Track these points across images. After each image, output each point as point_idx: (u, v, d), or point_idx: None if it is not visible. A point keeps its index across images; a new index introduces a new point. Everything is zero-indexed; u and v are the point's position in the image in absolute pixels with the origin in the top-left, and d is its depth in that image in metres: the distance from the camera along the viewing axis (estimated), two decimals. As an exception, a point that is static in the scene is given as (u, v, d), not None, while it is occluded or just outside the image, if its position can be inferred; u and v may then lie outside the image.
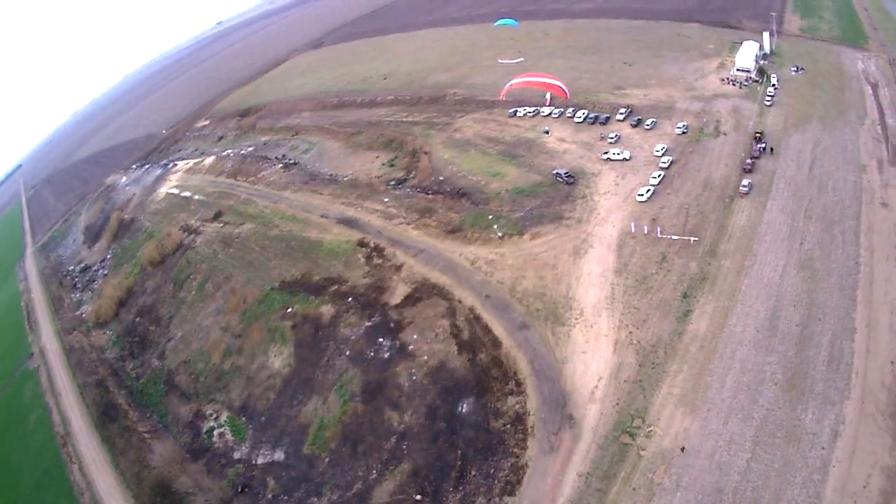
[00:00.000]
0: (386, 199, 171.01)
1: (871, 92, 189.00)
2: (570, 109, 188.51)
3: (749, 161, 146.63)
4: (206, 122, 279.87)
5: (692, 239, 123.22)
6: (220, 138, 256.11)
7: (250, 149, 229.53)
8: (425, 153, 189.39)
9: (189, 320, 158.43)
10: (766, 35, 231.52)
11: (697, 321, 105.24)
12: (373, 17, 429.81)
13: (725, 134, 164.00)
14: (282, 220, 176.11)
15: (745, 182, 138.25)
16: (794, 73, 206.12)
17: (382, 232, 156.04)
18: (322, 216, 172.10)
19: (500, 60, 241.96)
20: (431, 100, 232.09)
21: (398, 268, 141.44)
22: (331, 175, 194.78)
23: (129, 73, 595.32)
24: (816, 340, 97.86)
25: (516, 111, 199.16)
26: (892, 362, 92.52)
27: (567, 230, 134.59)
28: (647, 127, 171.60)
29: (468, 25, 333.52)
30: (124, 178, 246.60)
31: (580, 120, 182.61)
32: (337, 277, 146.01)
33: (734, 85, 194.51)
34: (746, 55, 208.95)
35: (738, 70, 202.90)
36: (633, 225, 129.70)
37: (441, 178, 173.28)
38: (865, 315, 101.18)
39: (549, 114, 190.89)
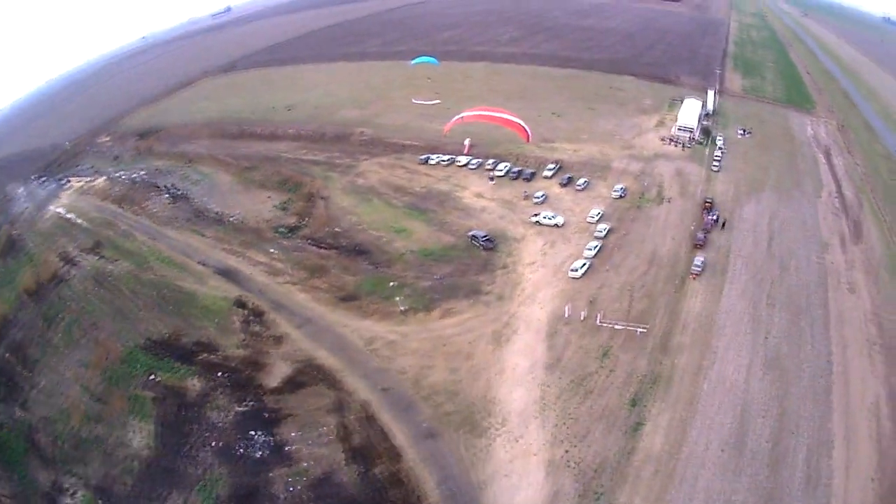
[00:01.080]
0: (273, 250, 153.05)
1: (824, 160, 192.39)
2: (491, 161, 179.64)
3: (700, 235, 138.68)
4: (108, 139, 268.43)
5: (639, 329, 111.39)
6: (117, 158, 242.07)
7: (142, 174, 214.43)
8: (322, 198, 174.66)
9: (54, 368, 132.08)
10: (709, 93, 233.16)
11: (651, 436, 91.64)
12: (288, 45, 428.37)
13: (670, 201, 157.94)
14: (158, 263, 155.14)
15: (697, 260, 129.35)
16: (740, 136, 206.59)
17: (265, 291, 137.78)
18: (200, 263, 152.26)
19: (414, 101, 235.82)
20: (336, 138, 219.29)
21: (279, 340, 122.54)
22: (217, 214, 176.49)
23: (52, 78, 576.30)
24: (791, 459, 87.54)
25: (428, 158, 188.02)
26: (872, 479, 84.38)
27: (486, 308, 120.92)
28: (578, 187, 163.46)
29: (385, 61, 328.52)
30: (22, 190, 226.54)
31: (501, 174, 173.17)
32: (208, 343, 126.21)
33: (676, 145, 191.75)
34: (689, 113, 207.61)
35: (679, 129, 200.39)
36: (566, 307, 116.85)
37: (338, 229, 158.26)
38: (843, 424, 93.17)
39: (466, 164, 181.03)
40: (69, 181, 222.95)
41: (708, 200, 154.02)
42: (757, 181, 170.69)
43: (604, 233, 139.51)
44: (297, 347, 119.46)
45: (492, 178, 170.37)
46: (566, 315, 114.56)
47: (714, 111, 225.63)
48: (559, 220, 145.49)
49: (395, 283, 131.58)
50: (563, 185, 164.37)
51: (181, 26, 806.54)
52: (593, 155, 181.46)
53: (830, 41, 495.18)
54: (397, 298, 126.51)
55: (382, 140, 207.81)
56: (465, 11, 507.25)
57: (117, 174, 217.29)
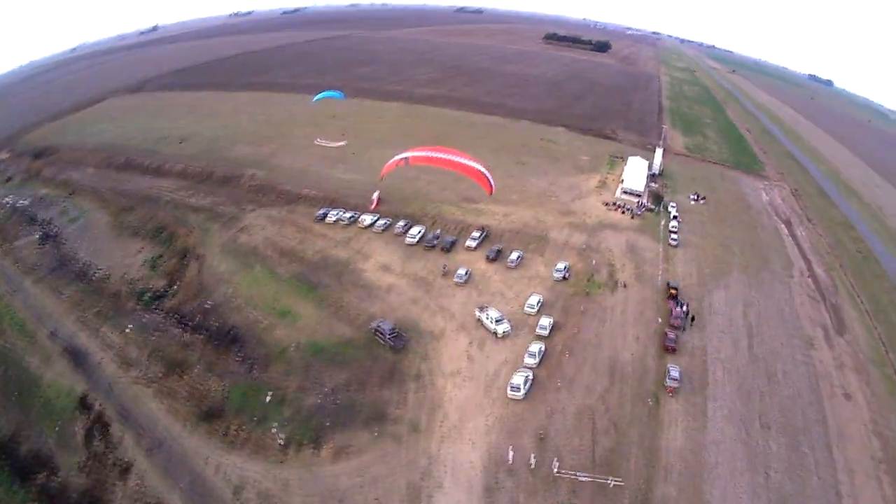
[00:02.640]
0: (129, 328, 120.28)
1: (787, 231, 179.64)
2: (402, 223, 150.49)
3: (671, 335, 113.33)
4: (7, 156, 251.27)
5: (611, 481, 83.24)
6: (9, 180, 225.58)
7: (26, 202, 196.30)
8: (197, 257, 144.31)
9: None
10: (657, 152, 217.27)
11: None
12: (199, 69, 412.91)
13: (625, 286, 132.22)
14: (8, 327, 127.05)
15: (672, 370, 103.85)
16: (693, 203, 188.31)
17: (114, 388, 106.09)
18: (51, 334, 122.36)
19: (317, 141, 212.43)
20: (224, 179, 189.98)
21: (125, 470, 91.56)
22: (83, 266, 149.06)
23: None
24: None
25: (326, 214, 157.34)
26: None
27: (395, 446, 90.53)
28: (510, 264, 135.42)
29: (291, 94, 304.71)
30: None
31: (414, 240, 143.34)
32: (47, 458, 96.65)
33: (624, 212, 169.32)
34: (635, 175, 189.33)
35: (625, 192, 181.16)
36: (509, 450, 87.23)
37: (209, 303, 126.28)
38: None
39: (372, 224, 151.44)
40: None
41: (673, 287, 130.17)
42: (722, 260, 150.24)
43: (548, 330, 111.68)
44: (145, 486, 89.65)
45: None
46: (509, 460, 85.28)
47: (660, 172, 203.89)
48: (505, 327, 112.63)
49: (273, 397, 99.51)
50: (491, 260, 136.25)
51: (109, 40, 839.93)
52: (527, 221, 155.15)
53: (763, 99, 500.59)
54: (274, 425, 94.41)
55: (275, 186, 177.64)
56: (383, 49, 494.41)
57: (3, 199, 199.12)
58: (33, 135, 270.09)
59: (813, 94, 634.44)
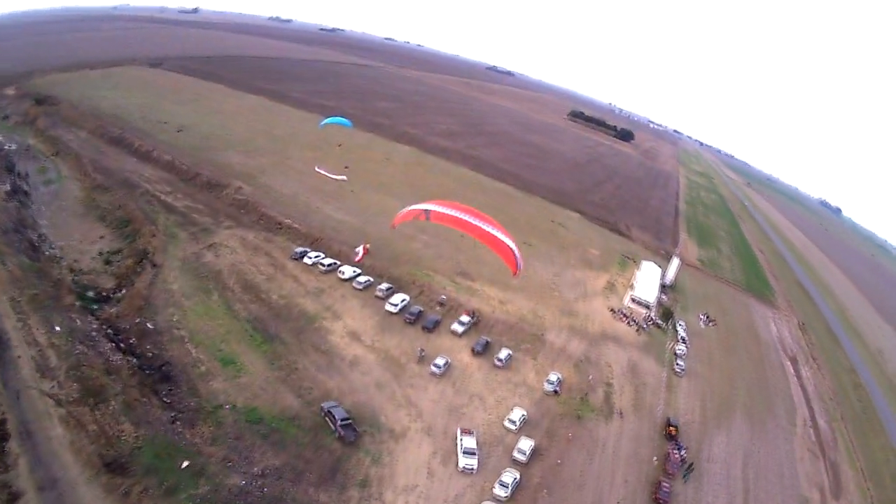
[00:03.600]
0: (58, 328, 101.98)
1: (792, 370, 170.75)
2: (385, 286, 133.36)
3: (665, 487, 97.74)
4: (13, 92, 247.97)
5: None
6: (5, 118, 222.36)
7: (12, 146, 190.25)
8: (153, 265, 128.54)
9: None
10: (674, 262, 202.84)
11: None
12: (221, 61, 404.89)
13: (622, 415, 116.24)
14: None
15: None
16: (703, 325, 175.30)
17: (21, 397, 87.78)
18: None
19: (317, 169, 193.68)
20: (208, 185, 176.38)
21: (13, 498, 74.14)
22: (38, 238, 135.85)
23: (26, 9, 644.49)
24: None
25: (305, 254, 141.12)
26: None
27: None
28: (498, 363, 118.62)
29: (302, 111, 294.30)
30: None
31: (394, 309, 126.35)
32: None
33: (630, 323, 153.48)
34: (647, 284, 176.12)
35: (635, 301, 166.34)
36: None
37: (150, 324, 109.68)
38: None
39: (352, 278, 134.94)
40: None
41: (672, 425, 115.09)
42: (726, 398, 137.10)
43: (526, 455, 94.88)
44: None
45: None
46: None
47: (673, 284, 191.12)
48: (470, 463, 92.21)
49: (191, 465, 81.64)
50: (477, 354, 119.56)
51: (150, 9, 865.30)
52: (524, 314, 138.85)
53: (776, 219, 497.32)
54: (183, 499, 76.54)
55: (259, 207, 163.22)
56: (407, 88, 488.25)
57: None
58: (43, 79, 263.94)
59: (827, 227, 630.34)
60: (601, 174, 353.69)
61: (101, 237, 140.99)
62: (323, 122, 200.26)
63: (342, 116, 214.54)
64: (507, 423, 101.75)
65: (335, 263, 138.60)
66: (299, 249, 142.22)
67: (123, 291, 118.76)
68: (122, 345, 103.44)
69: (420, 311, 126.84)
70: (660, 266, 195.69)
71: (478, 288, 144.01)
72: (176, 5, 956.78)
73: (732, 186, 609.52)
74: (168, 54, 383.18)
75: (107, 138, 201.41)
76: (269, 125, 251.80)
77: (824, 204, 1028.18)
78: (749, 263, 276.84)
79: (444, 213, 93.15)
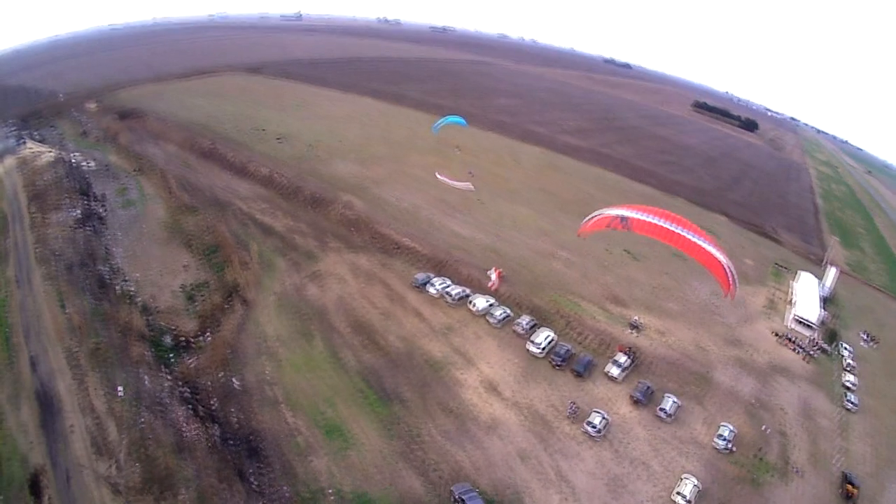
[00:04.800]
0: (121, 390, 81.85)
1: None
2: (526, 321, 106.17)
3: None
4: (94, 106, 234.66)
5: None
6: (84, 134, 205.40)
7: (91, 164, 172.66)
8: (244, 303, 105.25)
9: None
10: (831, 271, 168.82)
11: None
12: (326, 64, 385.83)
13: (799, 473, 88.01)
14: None
15: None
16: (865, 345, 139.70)
17: (72, 479, 69.20)
18: (31, 361, 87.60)
19: (438, 176, 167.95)
20: (312, 200, 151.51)
21: None
22: (109, 270, 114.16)
23: (115, 24, 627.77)
24: None
25: (428, 282, 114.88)
26: None
27: None
28: (662, 415, 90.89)
29: (419, 112, 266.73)
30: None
31: (540, 350, 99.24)
32: None
33: (796, 350, 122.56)
34: (809, 300, 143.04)
35: (797, 321, 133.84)
36: None
37: (235, 380, 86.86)
38: None
39: (486, 312, 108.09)
40: (25, 144, 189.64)
41: (850, 482, 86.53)
42: None
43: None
44: None
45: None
46: None
47: (831, 297, 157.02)
48: None
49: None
50: (639, 404, 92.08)
51: (249, 17, 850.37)
52: (686, 347, 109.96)
53: None
54: None
55: (372, 225, 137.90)
56: (527, 84, 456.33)
57: (71, 154, 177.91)
58: (130, 91, 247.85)
59: None
60: (735, 169, 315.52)
61: (185, 267, 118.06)
62: (437, 125, 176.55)
63: (457, 115, 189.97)
64: (676, 499, 75.68)
65: (465, 293, 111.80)
66: (421, 276, 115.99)
67: (207, 336, 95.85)
68: (200, 409, 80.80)
69: (569, 352, 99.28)
70: (815, 276, 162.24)
71: (630, 315, 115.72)
72: (278, 12, 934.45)
73: (856, 175, 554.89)
74: (269, 60, 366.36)
75: (197, 151, 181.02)
76: (384, 129, 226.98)
77: None
78: (891, 263, 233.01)
79: (645, 222, 75.28)
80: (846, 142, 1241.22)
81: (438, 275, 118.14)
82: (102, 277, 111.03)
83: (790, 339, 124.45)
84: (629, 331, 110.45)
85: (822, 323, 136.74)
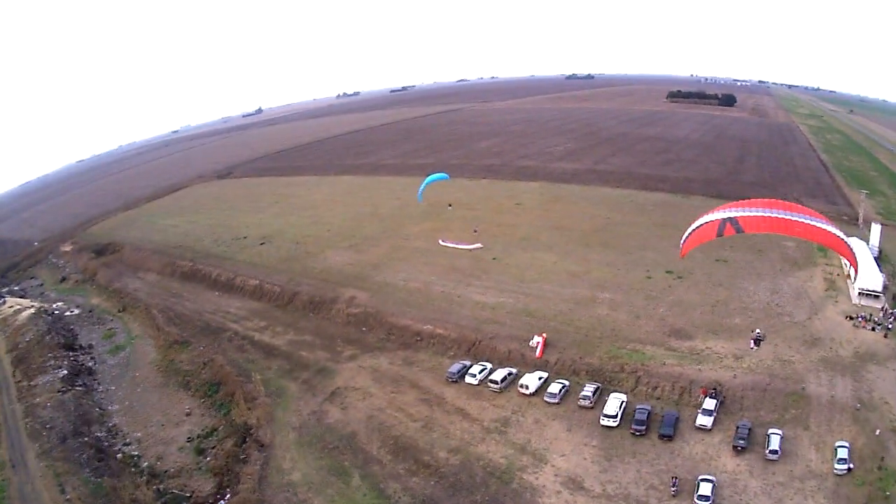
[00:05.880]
0: None
1: None
2: (589, 389, 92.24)
3: None
4: (70, 248, 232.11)
5: None
6: (64, 279, 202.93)
7: (75, 311, 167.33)
8: (260, 447, 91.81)
9: None
10: (875, 228, 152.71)
11: None
12: (297, 151, 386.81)
13: None
14: None
15: None
16: None
17: None
18: None
19: (441, 242, 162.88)
20: (311, 304, 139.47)
21: None
22: (107, 434, 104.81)
23: (83, 158, 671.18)
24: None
25: (465, 371, 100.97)
26: None
27: None
28: (770, 455, 76.10)
29: (402, 177, 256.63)
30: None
31: (615, 420, 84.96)
32: None
33: (872, 327, 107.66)
34: (867, 269, 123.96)
35: (863, 294, 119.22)
36: None
37: None
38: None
39: (540, 388, 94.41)
40: (5, 301, 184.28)
41: None
42: None
43: None
44: None
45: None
46: None
47: (881, 255, 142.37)
48: None
49: None
50: (740, 450, 77.44)
51: (213, 123, 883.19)
52: (768, 365, 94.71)
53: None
54: None
55: (384, 318, 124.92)
56: (503, 119, 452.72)
57: (53, 305, 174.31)
58: (103, 225, 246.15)
59: None
60: (735, 148, 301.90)
61: (188, 413, 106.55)
62: (421, 191, 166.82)
63: (437, 173, 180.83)
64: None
65: (511, 373, 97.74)
66: (456, 366, 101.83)
67: (227, 496, 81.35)
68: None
69: (649, 413, 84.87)
70: (858, 237, 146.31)
71: (702, 347, 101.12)
72: (239, 112, 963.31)
73: (843, 118, 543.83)
74: (237, 161, 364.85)
75: (178, 275, 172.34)
76: (370, 205, 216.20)
77: None
78: None
79: (758, 217, 71.01)
80: (817, 89, 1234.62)
81: (474, 359, 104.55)
82: (100, 444, 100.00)
83: (864, 319, 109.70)
84: (753, 346, 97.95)
85: (886, 287, 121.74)
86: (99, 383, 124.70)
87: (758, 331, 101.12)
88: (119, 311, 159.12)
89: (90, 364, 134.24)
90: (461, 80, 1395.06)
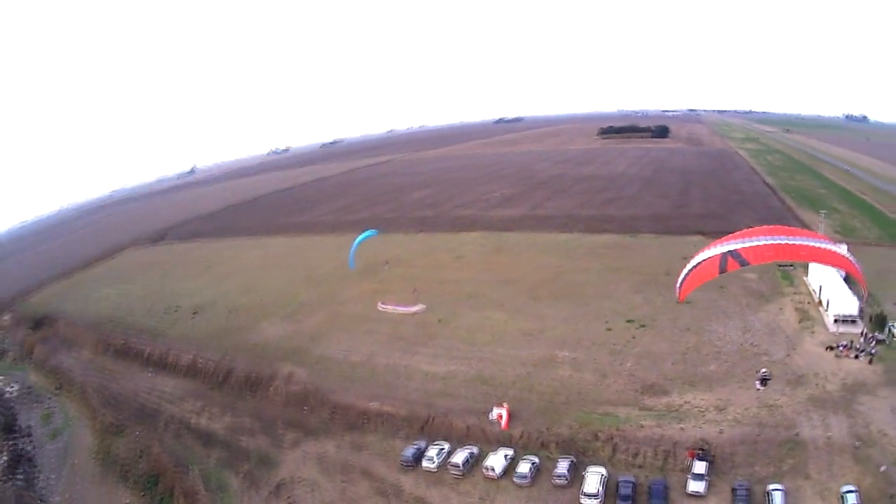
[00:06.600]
0: None
1: None
2: (563, 465, 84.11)
3: None
4: (8, 320, 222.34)
5: None
6: (2, 353, 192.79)
7: (12, 390, 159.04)
8: None
9: None
10: (840, 249, 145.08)
11: None
12: (229, 212, 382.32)
13: None
14: None
15: None
16: None
17: None
18: None
19: (381, 306, 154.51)
20: (247, 382, 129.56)
21: None
22: None
23: (25, 221, 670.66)
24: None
25: (421, 453, 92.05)
26: None
27: None
28: None
29: (336, 235, 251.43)
30: None
31: (593, 500, 76.32)
32: None
33: (855, 355, 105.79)
34: (838, 291, 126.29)
35: (840, 320, 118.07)
36: None
37: None
38: None
39: (508, 468, 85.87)
40: None
41: None
42: None
43: None
44: None
45: None
46: None
47: (846, 275, 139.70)
48: None
49: None
50: (744, 521, 72.60)
51: (147, 184, 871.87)
52: (755, 414, 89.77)
53: (836, 152, 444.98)
54: None
55: (326, 396, 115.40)
56: (435, 168, 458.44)
57: None
58: (39, 296, 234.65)
59: (868, 136, 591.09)
60: (677, 181, 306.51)
61: None
62: (352, 255, 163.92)
63: (365, 231, 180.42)
64: None
65: (472, 454, 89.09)
66: (411, 449, 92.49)
67: None
68: None
69: (634, 485, 77.64)
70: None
71: (680, 402, 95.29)
72: (173, 172, 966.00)
73: (780, 139, 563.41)
74: (171, 224, 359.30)
75: (112, 352, 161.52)
76: (305, 268, 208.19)
77: (850, 118, 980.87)
78: (868, 211, 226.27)
79: (761, 247, 69.18)
80: (749, 111, 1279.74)
81: (429, 439, 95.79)
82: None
83: (845, 346, 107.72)
84: (759, 386, 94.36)
85: (862, 311, 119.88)
86: (39, 471, 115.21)
87: (763, 370, 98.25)
88: (56, 390, 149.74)
89: (30, 450, 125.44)
90: (390, 131, 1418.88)
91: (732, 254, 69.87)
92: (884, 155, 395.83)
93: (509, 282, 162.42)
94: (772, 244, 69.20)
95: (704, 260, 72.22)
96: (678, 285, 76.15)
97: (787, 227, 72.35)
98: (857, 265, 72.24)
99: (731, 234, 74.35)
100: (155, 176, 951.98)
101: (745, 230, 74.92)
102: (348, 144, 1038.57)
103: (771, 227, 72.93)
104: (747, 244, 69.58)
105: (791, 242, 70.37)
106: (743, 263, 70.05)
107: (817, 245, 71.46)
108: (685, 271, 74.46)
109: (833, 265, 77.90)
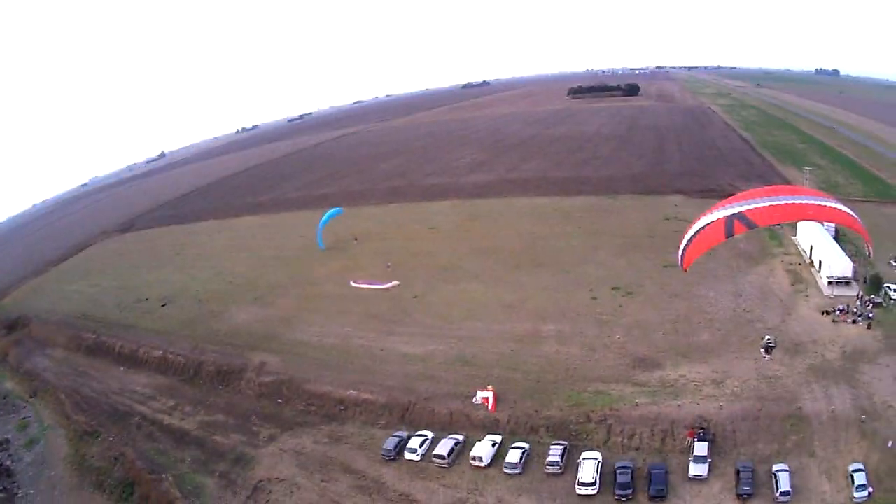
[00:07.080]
0: None
1: None
2: (555, 451, 79.54)
3: None
4: None
5: None
6: None
7: None
8: None
9: None
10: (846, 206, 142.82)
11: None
12: (198, 194, 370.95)
13: None
14: None
15: None
16: None
17: None
18: None
19: (353, 284, 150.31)
20: (219, 375, 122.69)
21: None
22: None
23: None
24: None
25: (402, 444, 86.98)
26: None
27: None
28: (780, 497, 67.29)
29: (307, 210, 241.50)
30: None
31: (590, 489, 72.73)
32: None
33: (853, 319, 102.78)
34: (830, 252, 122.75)
35: (835, 282, 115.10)
36: None
37: None
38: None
39: (495, 458, 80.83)
40: None
41: None
42: None
43: None
44: None
45: None
46: None
47: (837, 234, 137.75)
48: None
49: None
50: (746, 498, 68.20)
51: (118, 172, 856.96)
52: (756, 386, 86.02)
53: (810, 106, 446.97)
54: None
55: (299, 385, 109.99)
56: (404, 136, 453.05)
57: None
58: (13, 296, 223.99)
59: (841, 89, 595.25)
60: (652, 138, 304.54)
61: None
62: (319, 239, 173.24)
63: (330, 209, 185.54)
64: None
65: (458, 442, 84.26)
66: (392, 440, 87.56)
67: None
68: None
69: (632, 471, 73.39)
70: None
71: (675, 376, 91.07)
72: (143, 159, 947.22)
73: (752, 93, 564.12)
74: (139, 211, 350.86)
75: (83, 350, 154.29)
76: (275, 248, 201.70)
77: (821, 71, 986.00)
78: (849, 166, 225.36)
79: (767, 208, 65.77)
80: (717, 67, 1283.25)
81: (411, 428, 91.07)
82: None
83: (842, 310, 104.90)
84: (764, 355, 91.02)
85: (856, 272, 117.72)
86: (18, 486, 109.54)
87: (768, 337, 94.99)
88: (31, 397, 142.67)
89: (8, 463, 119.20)
90: (357, 102, 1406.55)
91: (738, 216, 66.03)
92: (858, 109, 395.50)
93: (486, 251, 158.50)
94: (779, 204, 66.09)
95: (708, 224, 68.32)
96: (681, 252, 72.63)
97: (789, 187, 69.82)
98: (861, 223, 69.22)
99: (732, 196, 71.40)
100: (125, 163, 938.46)
101: (746, 191, 71.86)
102: (316, 117, 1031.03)
103: (772, 186, 71.14)
104: (753, 206, 65.90)
105: (797, 202, 67.86)
106: (750, 226, 66.79)
107: (825, 204, 68.59)
108: (687, 237, 70.70)
109: (841, 224, 75.21)
